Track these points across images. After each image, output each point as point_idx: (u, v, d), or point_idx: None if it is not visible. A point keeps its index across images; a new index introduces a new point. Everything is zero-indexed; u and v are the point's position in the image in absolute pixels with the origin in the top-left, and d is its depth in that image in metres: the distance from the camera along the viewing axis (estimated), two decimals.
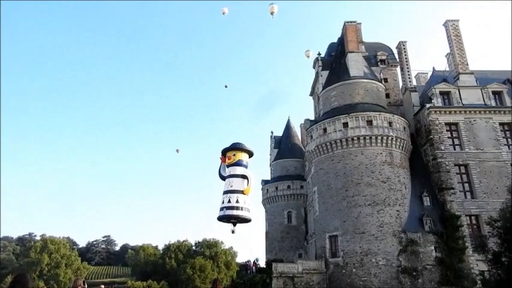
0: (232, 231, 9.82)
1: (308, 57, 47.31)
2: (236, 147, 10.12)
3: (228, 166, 10.09)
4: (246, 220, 9.72)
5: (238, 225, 9.85)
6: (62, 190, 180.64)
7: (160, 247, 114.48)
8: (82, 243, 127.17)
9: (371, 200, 36.28)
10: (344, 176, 37.95)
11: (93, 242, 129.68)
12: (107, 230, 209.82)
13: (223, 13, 40.62)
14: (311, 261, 38.13)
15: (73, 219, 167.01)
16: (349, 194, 37.08)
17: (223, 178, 10.10)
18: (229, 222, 9.78)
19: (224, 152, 10.23)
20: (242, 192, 9.65)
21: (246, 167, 10.00)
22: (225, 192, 9.79)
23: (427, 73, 58.30)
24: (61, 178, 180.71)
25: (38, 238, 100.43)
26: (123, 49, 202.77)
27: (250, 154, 10.29)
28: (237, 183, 9.71)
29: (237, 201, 9.52)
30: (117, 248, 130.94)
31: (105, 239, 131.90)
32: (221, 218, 9.64)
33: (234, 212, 9.47)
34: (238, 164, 9.93)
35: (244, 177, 9.80)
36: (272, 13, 37.60)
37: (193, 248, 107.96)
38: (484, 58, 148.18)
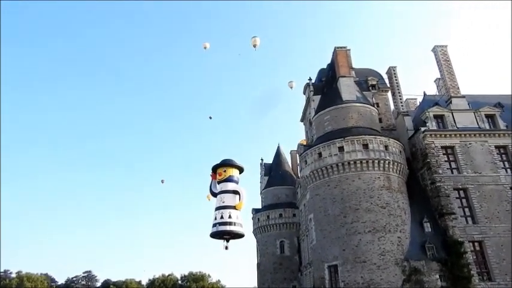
0: (226, 248, 9.78)
1: (291, 87, 47.12)
2: (226, 163, 10.20)
3: (219, 182, 10.13)
4: (239, 235, 9.76)
5: (227, 248, 9.85)
6: (40, 223, 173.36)
7: (144, 282, 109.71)
8: (61, 279, 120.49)
9: (371, 226, 34.72)
10: (342, 201, 36.47)
11: (72, 278, 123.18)
12: (88, 265, 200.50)
13: (205, 48, 40.35)
14: None
15: (52, 254, 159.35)
16: (347, 221, 35.47)
17: (214, 195, 10.16)
18: (222, 239, 9.72)
19: (215, 169, 10.28)
20: (234, 207, 9.69)
21: (237, 182, 10.10)
22: (217, 208, 9.77)
23: (415, 98, 58.67)
24: (38, 210, 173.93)
25: (13, 275, 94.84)
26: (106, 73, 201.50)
27: (241, 170, 10.37)
28: (228, 199, 9.78)
29: (230, 217, 9.54)
30: (99, 284, 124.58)
31: (85, 274, 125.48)
32: (214, 235, 9.61)
33: (227, 228, 9.48)
34: (229, 180, 10.03)
35: (235, 192, 9.88)
36: (255, 46, 37.35)
37: (179, 282, 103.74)
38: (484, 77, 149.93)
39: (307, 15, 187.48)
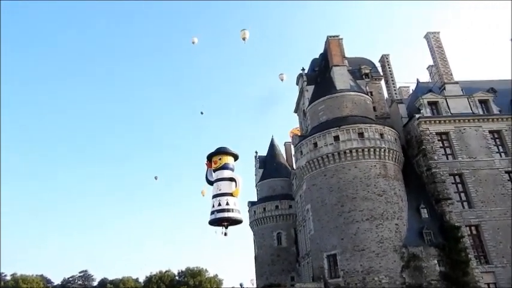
0: (225, 234, 9.88)
1: (282, 80, 46.67)
2: (221, 151, 10.33)
3: (214, 171, 10.24)
4: (237, 221, 9.92)
5: (226, 234, 9.97)
6: (34, 224, 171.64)
7: (142, 279, 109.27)
8: (57, 280, 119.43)
9: (368, 214, 34.73)
10: (338, 190, 36.40)
11: (69, 278, 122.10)
12: (84, 264, 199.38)
13: (193, 42, 40.04)
14: (309, 284, 35.99)
15: (47, 255, 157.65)
16: (345, 210, 35.44)
17: (210, 183, 10.27)
18: (220, 226, 9.86)
19: (210, 157, 10.39)
20: (231, 194, 9.84)
21: (232, 170, 10.23)
22: (214, 196, 9.91)
23: (408, 86, 58.63)
24: (32, 211, 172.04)
25: (8, 278, 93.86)
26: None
27: (236, 157, 10.51)
28: (225, 186, 9.93)
29: (227, 204, 9.69)
30: (95, 283, 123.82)
31: (82, 274, 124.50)
32: (213, 222, 9.74)
33: (225, 214, 9.63)
34: (224, 167, 10.14)
35: (232, 179, 10.01)
36: (244, 39, 36.97)
37: (177, 278, 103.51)
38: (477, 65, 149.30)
39: (298, 6, 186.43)
